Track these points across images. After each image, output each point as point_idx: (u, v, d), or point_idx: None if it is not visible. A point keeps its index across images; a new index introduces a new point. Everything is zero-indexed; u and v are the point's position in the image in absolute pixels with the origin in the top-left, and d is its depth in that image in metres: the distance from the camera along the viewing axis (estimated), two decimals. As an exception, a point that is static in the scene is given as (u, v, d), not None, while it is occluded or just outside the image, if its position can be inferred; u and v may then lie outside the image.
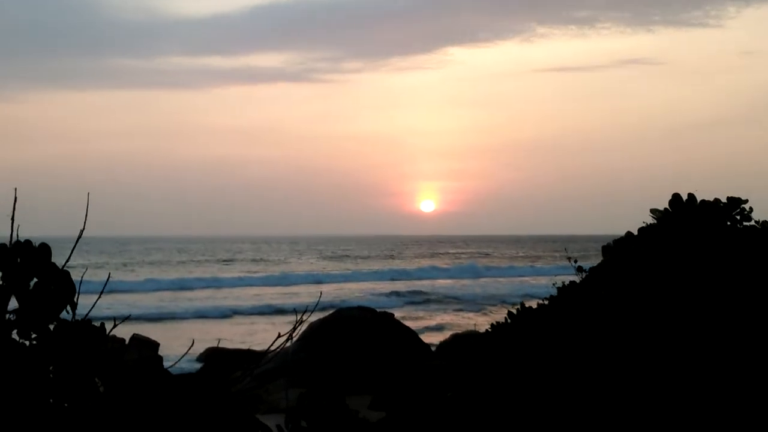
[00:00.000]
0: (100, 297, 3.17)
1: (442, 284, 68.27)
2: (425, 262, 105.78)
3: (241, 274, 79.51)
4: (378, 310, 25.49)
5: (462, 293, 58.78)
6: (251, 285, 67.07)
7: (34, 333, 2.83)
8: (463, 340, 23.68)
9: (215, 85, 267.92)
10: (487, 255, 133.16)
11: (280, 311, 45.84)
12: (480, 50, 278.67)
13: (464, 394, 5.69)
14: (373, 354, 22.47)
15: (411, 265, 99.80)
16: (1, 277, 2.83)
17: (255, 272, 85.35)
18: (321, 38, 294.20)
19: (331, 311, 24.87)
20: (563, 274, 6.65)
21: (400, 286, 64.88)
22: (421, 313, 47.19)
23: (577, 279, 6.29)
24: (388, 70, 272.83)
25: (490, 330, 6.26)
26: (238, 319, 43.90)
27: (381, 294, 57.36)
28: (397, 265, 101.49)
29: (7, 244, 2.86)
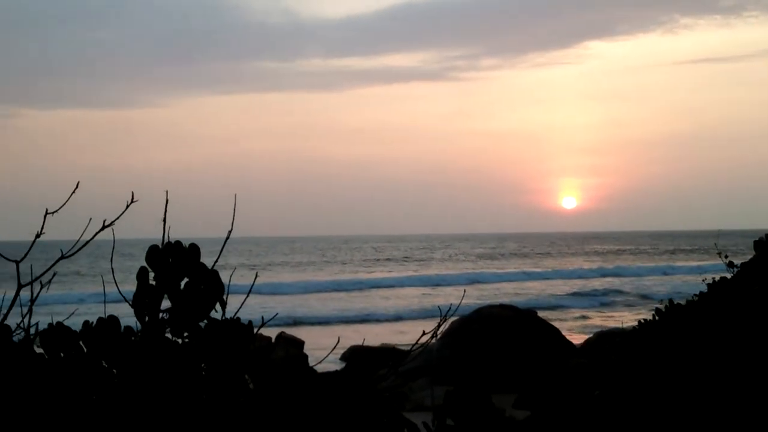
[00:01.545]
0: (248, 296, 3.24)
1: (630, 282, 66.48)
2: (591, 260, 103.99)
3: (395, 274, 79.95)
4: (531, 309, 25.26)
5: (652, 290, 57.26)
6: (407, 285, 66.97)
7: (186, 331, 2.91)
8: (608, 338, 23.26)
9: (353, 86, 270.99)
10: (642, 252, 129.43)
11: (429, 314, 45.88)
12: (619, 43, 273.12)
13: (611, 392, 5.58)
14: (517, 352, 22.29)
15: (573, 263, 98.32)
16: (154, 277, 2.92)
17: (414, 271, 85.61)
18: (457, 36, 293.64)
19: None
20: (716, 272, 6.46)
21: (579, 285, 63.85)
22: (594, 313, 46.26)
23: (728, 275, 6.10)
24: (525, 66, 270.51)
25: (637, 327, 6.13)
26: (401, 321, 43.92)
27: (566, 294, 56.49)
28: (565, 263, 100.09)
29: (159, 245, 2.95)
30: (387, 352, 26.15)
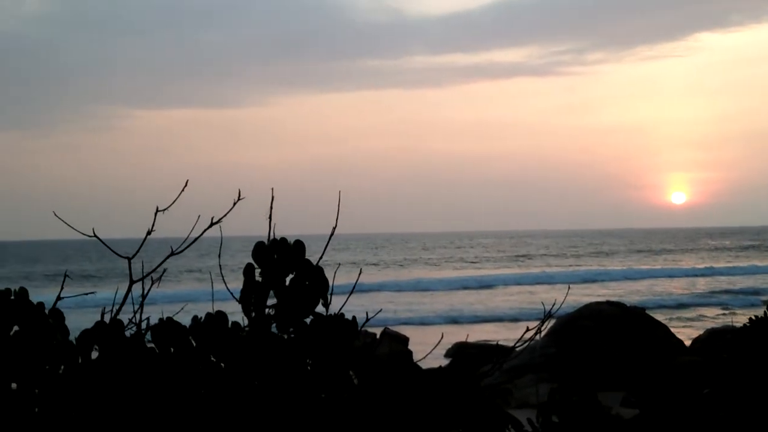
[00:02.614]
0: (352, 292, 3.26)
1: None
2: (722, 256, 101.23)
3: (498, 271, 79.42)
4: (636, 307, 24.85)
5: (763, 287, 55.49)
6: (510, 283, 66.29)
7: (291, 327, 2.95)
8: (719, 336, 22.71)
9: (457, 82, 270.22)
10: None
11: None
12: (732, 35, 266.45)
13: (721, 391, 5.46)
14: (624, 349, 21.95)
15: (682, 260, 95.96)
16: (260, 273, 2.97)
17: (519, 268, 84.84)
18: (563, 31, 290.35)
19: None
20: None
21: (688, 282, 62.31)
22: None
23: None
24: (633, 59, 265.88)
25: (748, 325, 5.98)
26: (506, 318, 43.51)
27: (676, 291, 55.27)
28: (674, 260, 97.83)
29: (265, 242, 3.00)
30: (491, 348, 26.04)
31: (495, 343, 27.70)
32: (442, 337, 4.09)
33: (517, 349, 3.41)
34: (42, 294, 3.07)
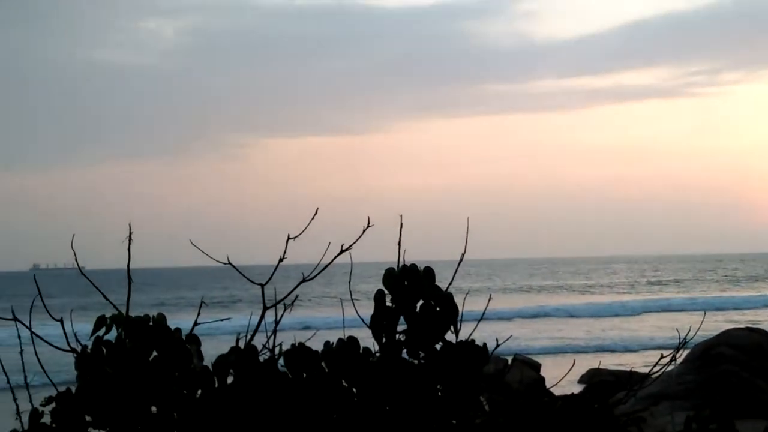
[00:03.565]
0: (481, 318, 3.25)
1: None
2: None
3: (629, 297, 77.74)
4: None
5: None
6: (641, 310, 64.58)
7: (421, 352, 2.96)
8: None
9: (586, 105, 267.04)
10: None
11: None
12: None
13: None
14: (766, 377, 21.21)
15: None
16: (391, 299, 2.99)
17: (650, 294, 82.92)
18: (694, 51, 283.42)
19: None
20: None
21: None
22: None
23: None
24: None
25: None
26: (638, 346, 42.54)
27: None
28: None
29: (395, 268, 3.01)
30: (625, 375, 25.50)
31: (629, 370, 27.14)
32: (573, 364, 4.04)
33: (653, 376, 3.34)
34: (178, 320, 3.16)
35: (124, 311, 2.98)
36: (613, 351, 41.01)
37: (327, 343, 2.95)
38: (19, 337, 2.95)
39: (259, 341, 3.07)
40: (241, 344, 2.97)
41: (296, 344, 2.96)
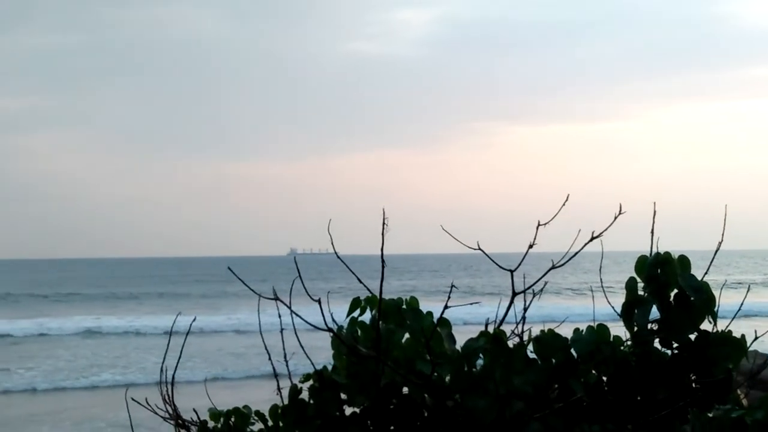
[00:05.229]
0: (738, 311, 3.13)
1: None
2: None
3: None
4: None
5: None
6: None
7: (675, 342, 2.88)
8: None
9: None
10: None
11: None
12: None
13: None
14: None
15: None
16: (643, 287, 2.93)
17: None
18: None
19: None
20: None
21: None
22: None
23: None
24: None
25: None
26: None
27: None
28: None
29: (648, 256, 2.95)
30: None
31: None
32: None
33: None
34: (430, 305, 3.22)
35: (376, 295, 3.08)
36: None
37: (576, 330, 2.93)
38: (280, 316, 3.10)
39: (507, 327, 3.09)
40: (490, 329, 3.00)
41: (545, 331, 2.96)
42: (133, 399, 3.28)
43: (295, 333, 3.10)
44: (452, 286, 2.93)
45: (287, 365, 3.18)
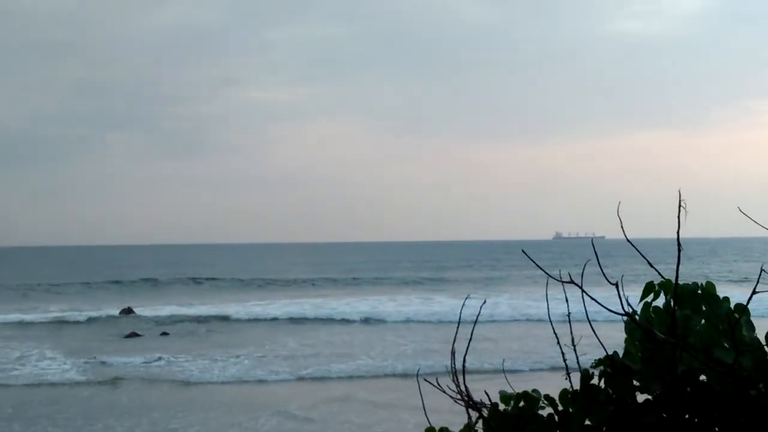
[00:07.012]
0: None
1: None
2: None
3: None
4: None
5: None
6: None
7: None
8: None
9: None
10: None
11: None
12: None
13: None
14: None
15: None
16: None
17: None
18: None
19: None
20: None
21: None
22: None
23: None
24: None
25: None
26: None
27: None
28: None
29: None
30: None
31: None
32: None
33: None
34: (728, 291, 3.10)
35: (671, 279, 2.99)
36: None
37: None
38: (567, 301, 3.08)
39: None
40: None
41: None
42: (426, 380, 3.35)
43: (587, 317, 3.05)
44: (762, 269, 2.79)
45: (575, 350, 3.15)
